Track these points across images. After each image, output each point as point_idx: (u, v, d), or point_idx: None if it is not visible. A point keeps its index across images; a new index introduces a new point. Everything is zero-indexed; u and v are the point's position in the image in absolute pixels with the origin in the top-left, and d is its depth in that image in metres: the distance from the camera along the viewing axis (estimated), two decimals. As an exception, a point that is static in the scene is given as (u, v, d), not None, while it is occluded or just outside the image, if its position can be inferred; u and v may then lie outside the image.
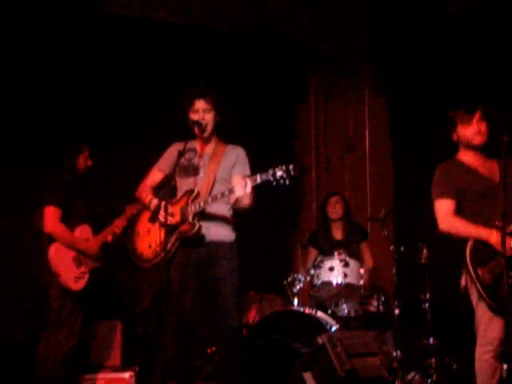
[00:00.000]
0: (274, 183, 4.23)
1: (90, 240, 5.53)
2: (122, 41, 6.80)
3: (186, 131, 4.76)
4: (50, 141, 6.20)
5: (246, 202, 4.53)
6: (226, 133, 4.95)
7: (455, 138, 4.68)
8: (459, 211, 4.54)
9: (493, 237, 4.32)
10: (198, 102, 4.78)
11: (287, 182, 4.22)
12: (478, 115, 4.54)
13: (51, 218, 5.34)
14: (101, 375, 5.67)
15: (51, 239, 5.35)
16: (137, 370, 5.79)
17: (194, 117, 4.77)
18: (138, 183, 6.40)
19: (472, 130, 4.55)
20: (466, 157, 4.65)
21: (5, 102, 6.15)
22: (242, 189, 4.32)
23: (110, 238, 5.64)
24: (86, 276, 5.43)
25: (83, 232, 5.53)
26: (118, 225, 5.65)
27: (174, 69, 6.97)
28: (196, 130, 4.76)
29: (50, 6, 6.42)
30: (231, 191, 4.42)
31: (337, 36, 7.73)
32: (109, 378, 5.65)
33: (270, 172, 4.24)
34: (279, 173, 4.22)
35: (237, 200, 4.48)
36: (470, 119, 4.55)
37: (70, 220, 5.43)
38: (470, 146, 4.61)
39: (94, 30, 6.64)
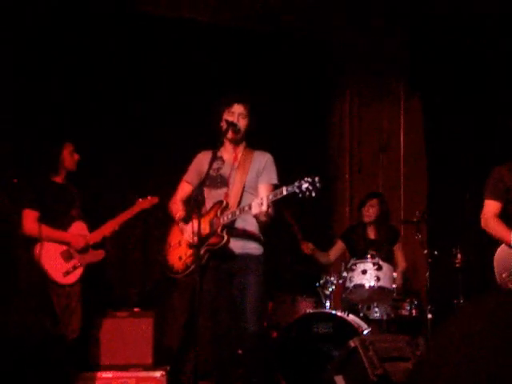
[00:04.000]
0: (300, 195, 4.21)
1: (86, 236, 5.58)
2: (135, 37, 6.79)
3: (214, 137, 4.77)
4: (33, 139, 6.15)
5: (263, 219, 4.54)
6: (259, 137, 4.94)
7: None
8: (507, 213, 4.65)
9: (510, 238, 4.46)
10: (236, 106, 4.78)
11: (313, 195, 4.19)
12: None
13: (26, 220, 5.41)
14: (132, 374, 5.68)
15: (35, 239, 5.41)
16: (168, 369, 5.80)
17: (230, 118, 4.76)
18: (148, 179, 6.46)
19: None
20: None
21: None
22: (258, 207, 4.31)
23: (108, 232, 5.68)
24: (79, 270, 5.48)
25: (77, 229, 5.58)
26: (122, 218, 5.72)
27: (197, 69, 6.97)
28: (230, 131, 4.74)
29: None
30: (249, 208, 4.41)
31: (371, 37, 7.68)
32: (140, 377, 5.66)
33: (296, 184, 4.21)
34: (305, 185, 4.18)
35: (254, 216, 4.49)
36: None
37: (56, 219, 5.48)
38: None
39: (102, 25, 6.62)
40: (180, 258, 4.78)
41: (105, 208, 6.19)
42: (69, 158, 5.64)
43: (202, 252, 4.59)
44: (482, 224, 4.83)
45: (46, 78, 6.34)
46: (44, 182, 5.58)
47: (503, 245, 4.65)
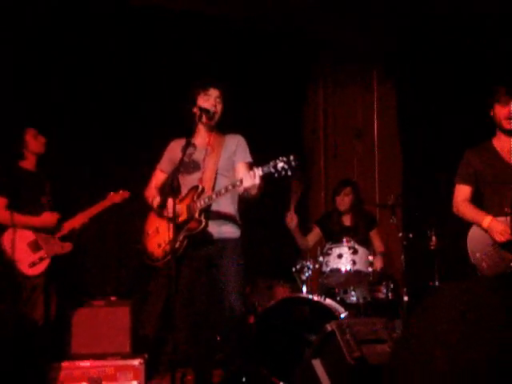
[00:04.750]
0: (276, 175, 4.21)
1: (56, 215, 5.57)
2: (118, 27, 6.75)
3: (186, 124, 4.77)
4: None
5: (254, 192, 4.51)
6: (232, 123, 4.94)
7: (492, 114, 4.77)
8: (480, 195, 4.71)
9: (485, 222, 4.53)
10: (212, 90, 4.79)
11: (289, 173, 4.19)
12: None
13: None
14: (110, 362, 5.68)
15: (4, 227, 5.41)
16: (146, 357, 5.80)
17: (205, 104, 4.75)
18: (121, 171, 6.42)
19: (505, 112, 4.63)
20: (497, 141, 4.77)
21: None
22: (251, 180, 4.29)
23: (77, 225, 5.69)
24: (46, 261, 5.46)
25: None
26: (92, 212, 5.73)
27: (175, 57, 6.95)
28: (204, 117, 4.74)
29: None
30: (240, 183, 4.38)
31: (345, 23, 7.68)
32: (118, 365, 5.66)
33: (271, 164, 4.22)
34: (280, 164, 4.19)
35: (245, 190, 4.46)
36: (508, 101, 4.63)
37: (26, 206, 5.47)
38: (500, 129, 4.72)
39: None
40: (159, 246, 4.77)
41: (75, 200, 6.13)
42: (33, 141, 5.59)
43: (180, 238, 4.60)
44: (454, 209, 4.91)
45: (18, 67, 6.29)
46: (12, 168, 5.54)
47: (474, 225, 4.72)
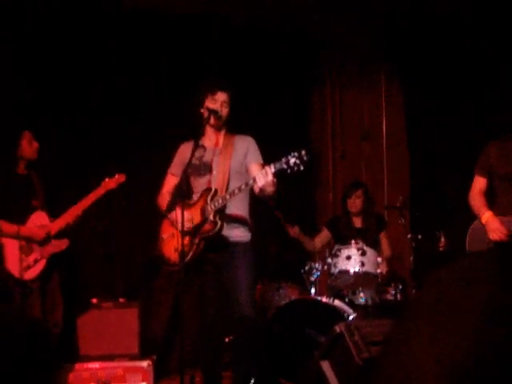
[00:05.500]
0: (289, 171, 4.21)
1: (47, 226, 5.44)
2: (118, 29, 6.73)
3: (193, 125, 4.77)
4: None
5: (270, 189, 4.48)
6: (240, 124, 4.93)
7: None
8: (492, 190, 4.72)
9: (484, 217, 4.54)
10: (220, 93, 4.77)
11: (301, 168, 4.19)
12: None
13: None
14: (118, 364, 5.68)
15: None
16: (155, 358, 5.80)
17: (212, 106, 4.75)
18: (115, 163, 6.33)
19: None
20: None
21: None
22: (264, 177, 4.27)
23: (70, 220, 5.50)
24: (42, 263, 5.38)
25: (37, 220, 5.48)
26: (85, 203, 5.52)
27: (181, 59, 6.94)
28: (212, 118, 4.74)
29: None
30: (254, 181, 4.37)
31: (350, 24, 7.67)
32: (127, 367, 5.66)
33: (283, 160, 4.21)
34: (292, 160, 4.19)
35: (260, 190, 4.45)
36: None
37: (16, 211, 5.39)
38: None
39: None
40: (176, 250, 4.71)
41: (72, 194, 5.88)
42: (27, 147, 5.50)
43: (196, 241, 4.60)
44: (468, 201, 4.90)
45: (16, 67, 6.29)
46: (4, 175, 5.49)
47: (477, 220, 4.72)
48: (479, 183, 4.84)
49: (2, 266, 5.31)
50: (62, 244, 5.51)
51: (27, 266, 5.34)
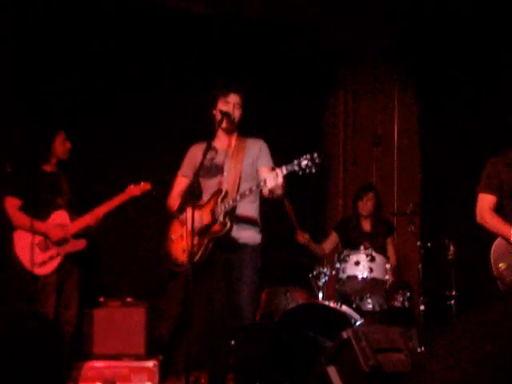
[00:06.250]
0: (301, 173, 4.21)
1: (66, 225, 5.50)
2: (128, 26, 6.72)
3: (207, 127, 4.78)
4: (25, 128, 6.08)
5: (279, 192, 4.51)
6: (252, 127, 4.93)
7: None
8: (501, 206, 4.64)
9: (511, 235, 4.44)
10: (233, 96, 4.78)
11: (313, 171, 4.19)
12: None
13: (9, 208, 5.44)
14: (124, 363, 5.69)
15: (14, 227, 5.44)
16: (161, 358, 5.80)
17: (225, 108, 4.76)
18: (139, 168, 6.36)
19: None
20: None
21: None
22: (274, 180, 4.29)
23: (91, 221, 5.57)
24: (57, 260, 5.42)
25: (58, 218, 5.53)
26: (107, 207, 5.61)
27: (192, 59, 6.96)
28: (225, 121, 4.74)
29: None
30: (264, 183, 4.37)
31: (364, 30, 7.67)
32: (132, 367, 5.67)
33: (295, 162, 4.22)
34: (304, 162, 4.19)
35: (269, 192, 4.46)
36: None
37: (40, 207, 5.46)
38: None
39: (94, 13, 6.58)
40: (184, 251, 4.71)
41: (99, 196, 5.98)
42: (61, 146, 5.62)
43: (205, 241, 4.60)
44: (478, 218, 4.78)
45: (37, 67, 6.30)
46: (32, 171, 5.55)
47: (500, 237, 4.62)
48: (488, 201, 4.72)
49: (15, 257, 5.35)
50: (79, 244, 5.55)
51: (42, 261, 5.39)
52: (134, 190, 5.70)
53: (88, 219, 5.57)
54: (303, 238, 6.51)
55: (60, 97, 6.35)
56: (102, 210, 5.61)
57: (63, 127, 5.69)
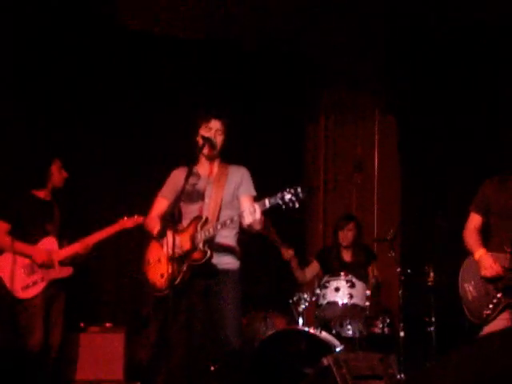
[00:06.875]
0: (284, 207, 4.19)
1: (53, 252, 5.51)
2: (119, 52, 6.80)
3: (190, 153, 4.79)
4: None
5: (257, 227, 4.47)
6: (233, 153, 4.94)
7: None
8: (489, 226, 4.71)
9: (477, 254, 4.56)
10: (214, 122, 4.77)
11: (296, 205, 4.17)
12: None
13: None
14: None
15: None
16: (139, 385, 5.78)
17: (207, 134, 4.76)
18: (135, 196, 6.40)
19: None
20: None
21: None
22: (252, 215, 4.24)
23: (80, 250, 5.60)
24: (41, 285, 5.42)
25: (47, 244, 5.53)
26: (97, 237, 5.65)
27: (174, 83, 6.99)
28: (206, 147, 4.73)
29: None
30: (240, 217, 4.37)
31: (346, 56, 7.74)
32: (111, 393, 5.64)
33: (279, 195, 4.18)
34: (288, 196, 4.15)
35: (248, 226, 4.45)
36: None
37: (28, 232, 5.47)
38: None
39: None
40: (162, 276, 4.64)
41: (93, 224, 6.04)
42: (57, 174, 5.63)
43: (184, 268, 4.56)
44: (463, 236, 4.87)
45: (34, 92, 6.35)
46: (24, 196, 5.57)
47: (470, 256, 4.72)
48: (475, 220, 4.82)
49: (5, 286, 5.34)
50: (65, 271, 5.56)
51: (25, 285, 5.39)
52: (127, 222, 5.74)
53: (77, 247, 5.59)
54: (288, 254, 6.47)
55: (55, 124, 6.41)
56: (92, 240, 5.64)
57: (58, 155, 5.70)
